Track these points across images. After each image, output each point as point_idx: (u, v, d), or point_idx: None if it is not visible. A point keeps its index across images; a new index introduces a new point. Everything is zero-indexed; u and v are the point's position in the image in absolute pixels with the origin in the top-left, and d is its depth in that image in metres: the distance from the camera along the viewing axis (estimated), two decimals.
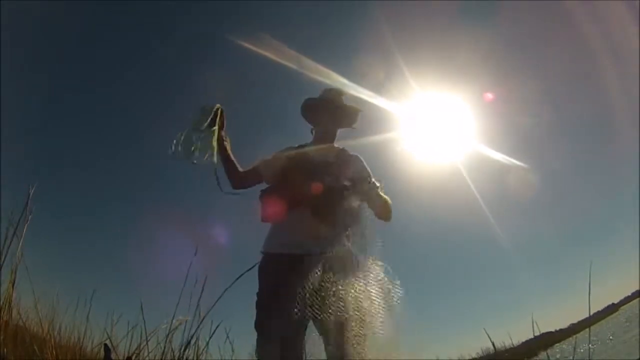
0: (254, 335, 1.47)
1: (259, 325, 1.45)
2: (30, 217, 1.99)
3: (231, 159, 1.65)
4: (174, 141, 1.53)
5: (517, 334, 2.57)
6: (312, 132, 1.78)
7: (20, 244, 1.89)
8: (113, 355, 2.02)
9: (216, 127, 1.59)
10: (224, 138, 1.65)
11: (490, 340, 2.17)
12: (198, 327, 2.02)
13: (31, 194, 2.00)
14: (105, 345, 2.08)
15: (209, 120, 1.59)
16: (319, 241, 1.37)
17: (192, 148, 1.55)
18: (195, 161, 1.56)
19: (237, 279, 1.80)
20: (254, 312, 1.50)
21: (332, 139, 1.72)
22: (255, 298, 1.53)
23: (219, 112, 1.63)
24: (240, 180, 1.67)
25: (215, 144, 1.59)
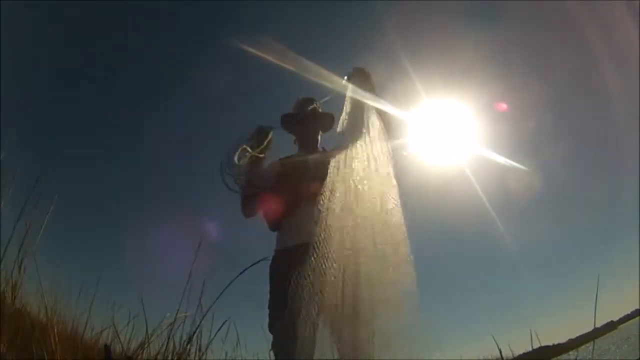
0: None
1: (273, 327, 1.45)
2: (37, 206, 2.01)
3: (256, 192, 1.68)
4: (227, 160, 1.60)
5: (513, 345, 2.55)
6: (295, 143, 1.90)
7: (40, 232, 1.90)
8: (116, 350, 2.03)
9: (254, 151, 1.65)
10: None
11: (498, 348, 2.18)
12: (200, 321, 2.02)
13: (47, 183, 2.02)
14: (106, 345, 2.09)
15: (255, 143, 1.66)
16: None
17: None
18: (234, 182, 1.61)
19: (241, 273, 1.82)
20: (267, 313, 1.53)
21: (315, 145, 1.84)
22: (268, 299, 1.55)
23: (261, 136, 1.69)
24: (250, 215, 1.73)
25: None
